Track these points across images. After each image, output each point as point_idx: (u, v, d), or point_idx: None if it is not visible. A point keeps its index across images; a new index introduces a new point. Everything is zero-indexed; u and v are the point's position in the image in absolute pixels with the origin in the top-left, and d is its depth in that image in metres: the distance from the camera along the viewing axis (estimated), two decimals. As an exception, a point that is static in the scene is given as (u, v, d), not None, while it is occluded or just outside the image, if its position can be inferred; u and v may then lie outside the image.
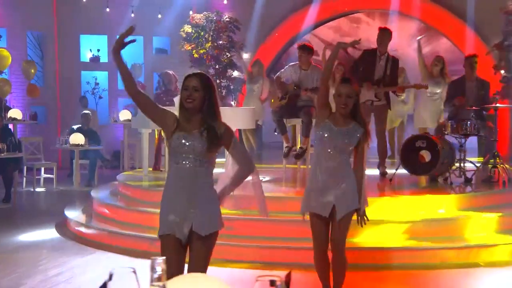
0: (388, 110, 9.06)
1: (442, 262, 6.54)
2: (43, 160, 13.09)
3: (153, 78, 16.31)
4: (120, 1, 15.35)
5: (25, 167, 12.44)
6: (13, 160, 10.66)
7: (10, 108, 13.14)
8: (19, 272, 6.42)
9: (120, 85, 13.66)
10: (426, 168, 8.31)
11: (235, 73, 14.10)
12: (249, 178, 4.07)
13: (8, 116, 12.16)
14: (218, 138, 3.85)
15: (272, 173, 9.65)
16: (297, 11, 15.72)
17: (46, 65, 16.02)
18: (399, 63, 9.01)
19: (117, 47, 3.85)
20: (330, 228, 4.91)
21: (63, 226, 8.66)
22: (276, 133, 9.48)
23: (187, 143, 3.83)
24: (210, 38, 13.80)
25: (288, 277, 1.48)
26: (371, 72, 8.67)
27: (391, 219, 7.13)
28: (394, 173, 8.70)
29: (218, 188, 4.01)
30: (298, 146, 9.17)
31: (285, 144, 9.27)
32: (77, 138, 12.16)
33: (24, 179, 12.51)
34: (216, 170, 4.01)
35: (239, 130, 11.21)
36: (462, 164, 8.62)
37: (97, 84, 16.18)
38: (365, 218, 4.91)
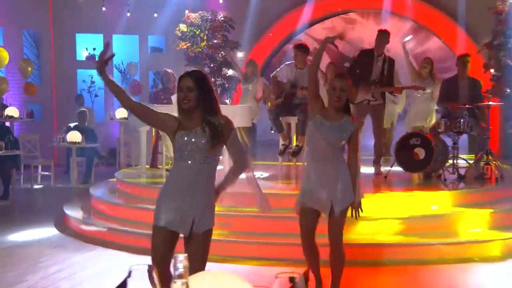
0: (384, 109, 9.13)
1: (437, 258, 6.62)
2: (40, 158, 13.17)
3: (148, 77, 16.38)
4: (116, 0, 15.40)
5: (22, 165, 12.51)
6: (10, 158, 10.74)
7: (7, 106, 13.16)
8: (20, 269, 6.44)
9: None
10: (420, 165, 8.43)
11: (230, 72, 14.16)
12: (243, 175, 4.08)
13: (5, 114, 12.20)
14: (219, 130, 3.86)
15: (268, 170, 9.76)
16: (291, 11, 15.78)
17: (42, 64, 16.06)
18: (395, 63, 9.10)
19: (99, 66, 3.86)
20: (317, 221, 4.91)
21: (62, 223, 8.71)
22: (272, 132, 9.53)
23: (191, 141, 3.84)
24: (205, 37, 13.88)
25: (306, 274, 1.48)
26: (368, 72, 8.74)
27: (386, 215, 7.21)
28: (389, 170, 8.81)
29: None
30: (294, 144, 9.26)
31: (281, 142, 9.36)
32: (74, 136, 12.25)
33: (22, 176, 12.58)
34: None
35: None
36: (455, 161, 8.74)
37: (93, 82, 16.23)
38: (360, 210, 4.89)
